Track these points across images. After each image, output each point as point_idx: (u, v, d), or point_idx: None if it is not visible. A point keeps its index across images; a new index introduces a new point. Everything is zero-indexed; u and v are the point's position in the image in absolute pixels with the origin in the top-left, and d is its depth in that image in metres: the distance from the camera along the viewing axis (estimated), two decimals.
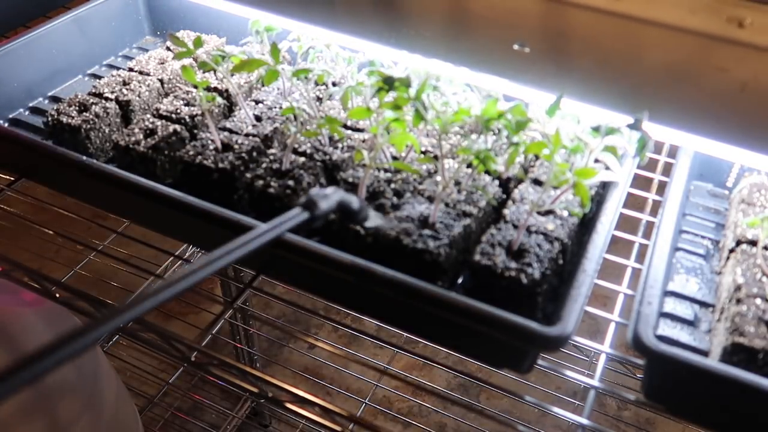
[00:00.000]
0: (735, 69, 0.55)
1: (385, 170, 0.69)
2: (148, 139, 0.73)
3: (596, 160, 0.65)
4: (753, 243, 0.62)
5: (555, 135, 0.59)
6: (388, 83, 0.60)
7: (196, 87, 0.81)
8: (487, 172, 0.69)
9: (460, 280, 0.62)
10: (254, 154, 0.71)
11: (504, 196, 0.69)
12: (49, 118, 0.77)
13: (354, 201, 0.57)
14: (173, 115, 0.77)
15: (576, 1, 0.59)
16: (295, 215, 0.52)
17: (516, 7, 0.62)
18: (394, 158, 0.72)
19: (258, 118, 0.77)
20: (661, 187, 0.75)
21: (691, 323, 0.59)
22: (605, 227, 0.63)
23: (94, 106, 0.79)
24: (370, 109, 0.65)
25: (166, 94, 0.86)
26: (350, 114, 0.65)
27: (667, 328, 0.59)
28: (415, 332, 0.71)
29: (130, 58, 0.95)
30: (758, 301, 0.56)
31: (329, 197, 0.54)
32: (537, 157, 0.74)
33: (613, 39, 0.59)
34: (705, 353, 0.57)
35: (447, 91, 0.70)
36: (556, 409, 0.66)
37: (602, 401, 1.66)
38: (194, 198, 0.64)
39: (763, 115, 0.56)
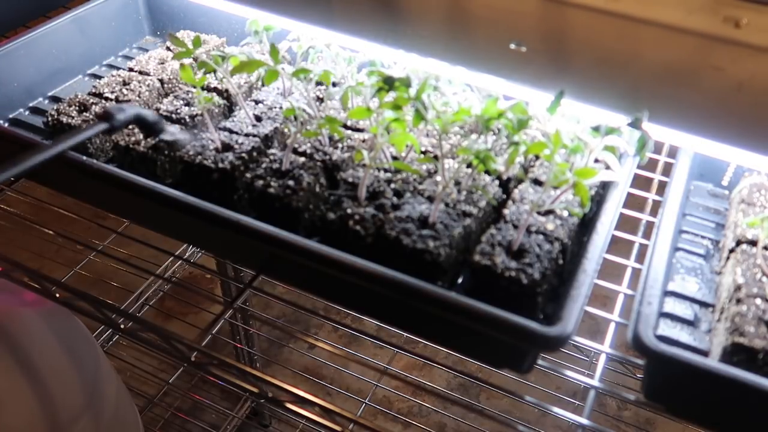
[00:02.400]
0: (731, 69, 0.55)
1: (385, 170, 0.69)
2: (148, 139, 0.73)
3: (596, 160, 0.65)
4: (753, 243, 0.62)
5: (555, 135, 0.59)
6: (388, 83, 0.60)
7: (195, 87, 0.81)
8: (487, 172, 0.69)
9: (460, 280, 0.62)
10: (254, 154, 0.71)
11: (504, 196, 0.69)
12: (49, 118, 0.77)
13: (150, 114, 0.64)
14: (173, 115, 0.77)
15: (573, 0, 0.59)
16: (93, 125, 0.60)
17: (512, 7, 0.62)
18: (394, 158, 0.72)
19: (258, 118, 0.77)
20: (661, 187, 0.75)
21: (691, 323, 0.59)
22: (605, 227, 0.63)
23: (94, 106, 0.79)
24: (370, 109, 0.65)
25: (166, 94, 0.86)
26: (350, 114, 0.65)
27: (667, 328, 0.59)
28: (415, 332, 0.71)
29: (130, 58, 0.95)
30: (758, 301, 0.56)
31: (125, 110, 0.62)
32: (537, 157, 0.74)
33: (609, 39, 0.59)
34: (705, 353, 0.57)
35: (447, 91, 0.70)
36: (556, 409, 0.66)
37: (602, 401, 1.66)
38: (194, 198, 0.64)
39: (759, 114, 0.56)
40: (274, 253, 0.62)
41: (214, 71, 0.73)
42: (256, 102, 0.80)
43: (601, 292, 0.69)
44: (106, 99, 0.80)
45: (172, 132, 0.68)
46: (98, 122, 0.61)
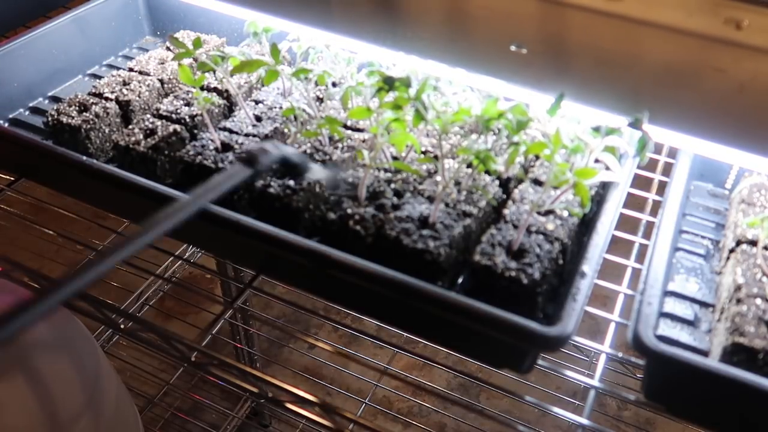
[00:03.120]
0: (733, 70, 0.55)
1: (385, 170, 0.69)
2: (148, 139, 0.73)
3: (596, 160, 0.65)
4: (753, 243, 0.62)
5: (555, 135, 0.59)
6: (389, 83, 0.60)
7: (194, 87, 0.81)
8: (487, 172, 0.69)
9: (460, 280, 0.62)
10: None
11: (504, 196, 0.69)
12: (49, 118, 0.77)
13: (294, 154, 0.57)
14: (173, 115, 0.77)
15: (573, 2, 0.59)
16: (238, 171, 0.53)
17: (513, 9, 0.62)
18: (394, 158, 0.72)
19: (258, 118, 0.77)
20: (661, 187, 0.75)
21: (691, 323, 0.59)
22: (605, 227, 0.63)
23: (94, 106, 0.79)
24: (370, 109, 0.65)
25: (166, 94, 0.86)
26: (350, 114, 0.65)
27: (667, 328, 0.59)
28: (415, 332, 0.71)
29: (130, 58, 0.95)
30: (758, 301, 0.56)
31: (269, 153, 0.55)
32: (537, 157, 0.74)
33: (610, 40, 0.59)
34: (705, 353, 0.57)
35: (447, 91, 0.70)
36: (556, 409, 0.66)
37: (602, 401, 1.66)
38: None
39: (761, 116, 0.56)
40: (274, 253, 0.62)
41: (214, 71, 0.73)
42: (256, 102, 0.80)
43: (601, 292, 0.69)
44: (106, 99, 0.80)
45: (317, 170, 0.62)
46: (241, 167, 0.55)
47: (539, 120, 0.73)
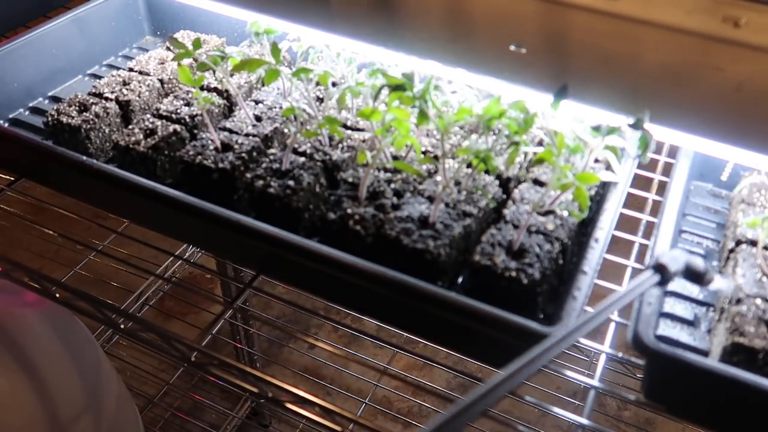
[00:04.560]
0: (731, 69, 0.55)
1: (385, 170, 0.69)
2: (148, 139, 0.73)
3: (596, 160, 0.65)
4: (753, 243, 0.62)
5: (559, 138, 0.59)
6: (398, 89, 0.60)
7: (194, 87, 0.81)
8: (487, 171, 0.69)
9: (460, 280, 0.62)
10: (254, 154, 0.71)
11: (504, 196, 0.69)
12: (49, 118, 0.77)
13: (699, 262, 0.56)
14: (173, 115, 0.77)
15: (572, 1, 0.59)
16: (646, 279, 0.52)
17: (512, 8, 0.62)
18: (395, 158, 0.72)
19: (258, 118, 0.77)
20: (661, 187, 0.75)
21: (691, 323, 0.59)
22: (605, 227, 0.63)
23: (94, 106, 0.79)
24: (378, 111, 0.65)
25: (166, 94, 0.86)
26: (359, 114, 0.65)
27: (667, 328, 0.59)
28: (415, 332, 0.71)
29: (130, 58, 0.95)
30: (758, 301, 0.56)
31: (678, 260, 0.54)
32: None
33: (609, 39, 0.59)
34: (705, 353, 0.57)
35: (446, 89, 0.69)
36: (556, 409, 0.66)
37: (602, 401, 1.65)
38: (194, 198, 0.64)
39: (759, 114, 0.56)
40: (274, 253, 0.62)
41: (214, 71, 0.73)
42: (256, 102, 0.80)
43: (601, 292, 0.69)
44: (106, 99, 0.80)
45: (720, 280, 0.59)
46: (650, 275, 0.53)
47: (541, 115, 0.73)
